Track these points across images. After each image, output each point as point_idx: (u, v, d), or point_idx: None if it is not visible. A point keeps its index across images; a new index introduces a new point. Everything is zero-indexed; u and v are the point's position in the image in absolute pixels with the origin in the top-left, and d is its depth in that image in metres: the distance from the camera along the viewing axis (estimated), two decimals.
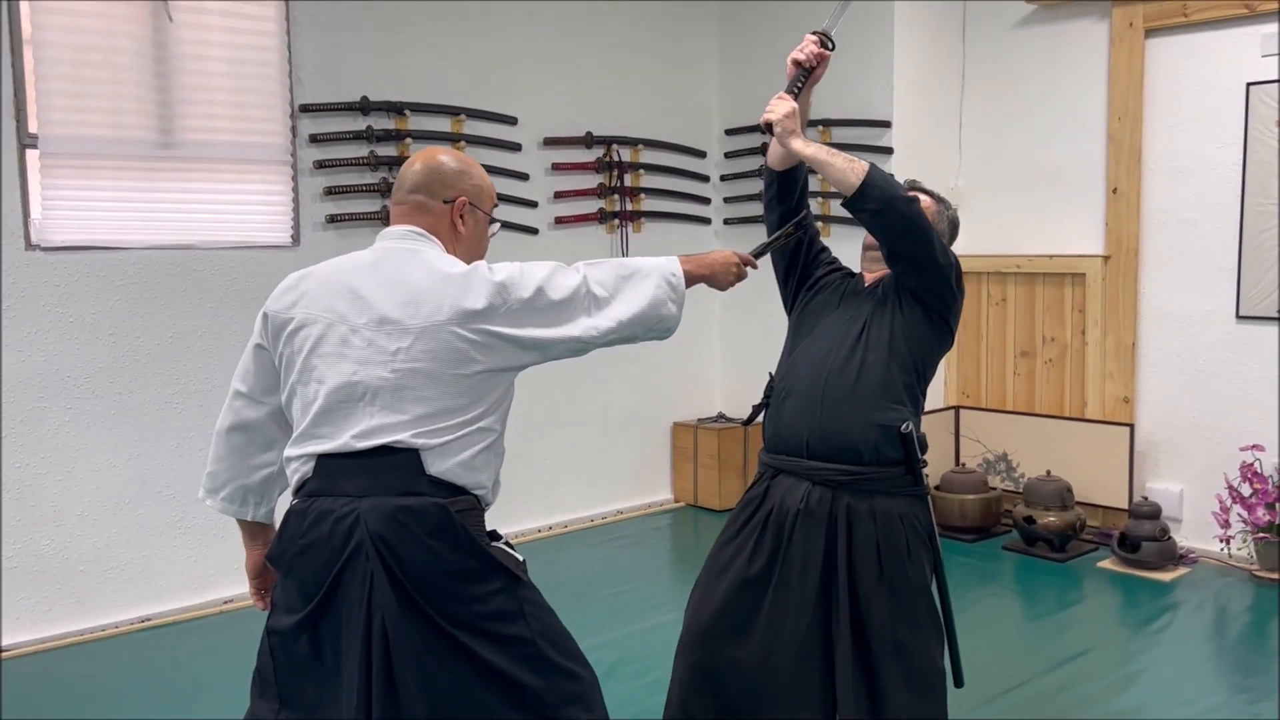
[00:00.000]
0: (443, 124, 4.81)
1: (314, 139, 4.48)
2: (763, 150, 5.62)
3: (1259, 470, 4.39)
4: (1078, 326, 5.08)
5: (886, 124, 5.15)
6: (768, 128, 2.50)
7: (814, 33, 2.64)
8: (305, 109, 4.44)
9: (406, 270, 2.01)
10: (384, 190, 4.60)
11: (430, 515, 1.92)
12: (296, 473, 2.02)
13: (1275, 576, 4.37)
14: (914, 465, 2.44)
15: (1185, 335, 4.77)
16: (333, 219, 4.53)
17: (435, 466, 1.95)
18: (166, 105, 4.13)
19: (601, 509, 5.54)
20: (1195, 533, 4.71)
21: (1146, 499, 4.69)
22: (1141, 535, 4.54)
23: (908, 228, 2.36)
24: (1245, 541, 4.45)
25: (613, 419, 5.56)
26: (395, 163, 4.61)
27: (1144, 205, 4.85)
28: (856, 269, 2.71)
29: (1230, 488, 4.44)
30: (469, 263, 2.05)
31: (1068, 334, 5.13)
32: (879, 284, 2.56)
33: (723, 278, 2.40)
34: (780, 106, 2.49)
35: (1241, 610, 4.15)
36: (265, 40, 4.35)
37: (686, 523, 5.56)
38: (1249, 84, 4.48)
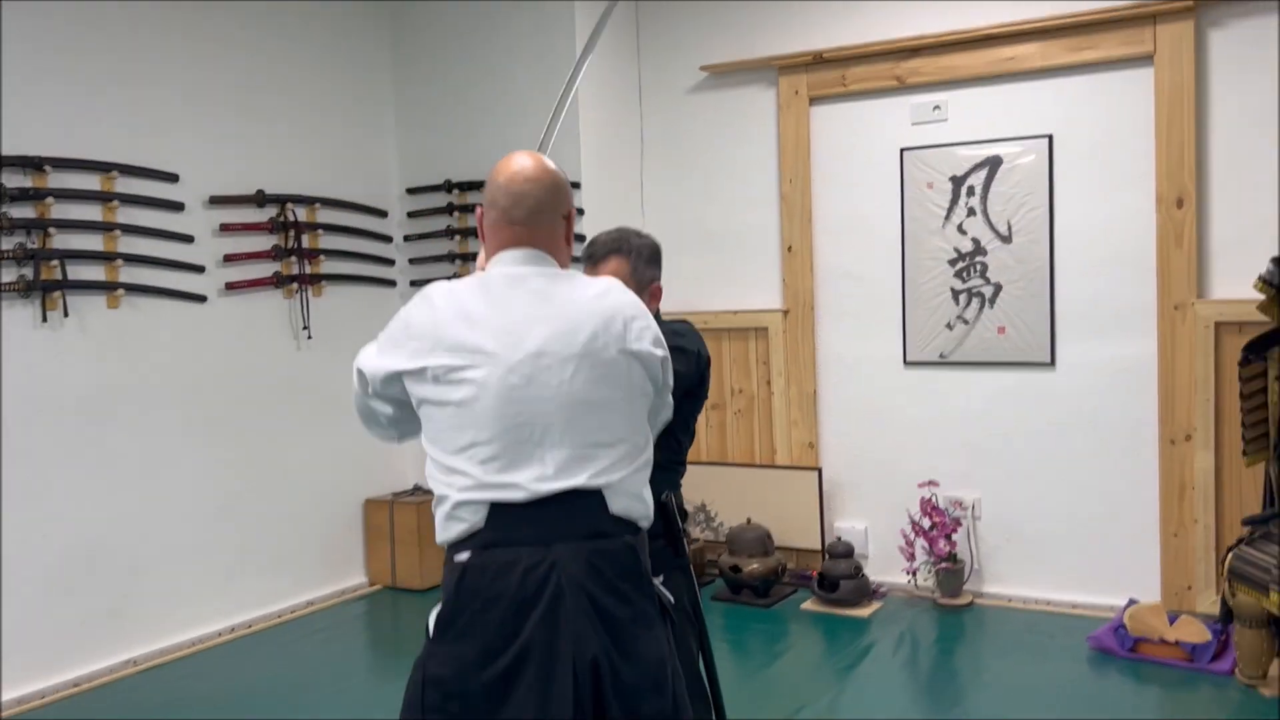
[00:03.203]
0: (90, 181, 4.22)
1: None
2: (449, 209, 5.45)
3: (936, 504, 4.74)
4: (763, 377, 5.30)
5: (575, 185, 5.15)
6: None
7: None
8: None
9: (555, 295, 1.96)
10: (20, 257, 3.95)
11: (621, 556, 1.88)
12: (463, 523, 1.87)
13: (957, 602, 4.72)
14: (675, 534, 2.36)
15: (860, 382, 5.10)
16: None
17: (616, 504, 1.90)
18: None
19: (289, 601, 5.04)
20: (882, 567, 5.01)
21: (840, 539, 4.93)
22: (838, 574, 4.76)
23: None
24: (929, 572, 4.78)
25: (297, 500, 5.09)
26: (34, 225, 3.99)
27: (816, 262, 5.16)
28: None
29: (913, 522, 4.76)
30: None
31: (754, 385, 5.33)
32: None
33: None
34: None
35: (931, 637, 4.44)
36: None
37: (385, 607, 5.18)
38: (902, 149, 4.90)
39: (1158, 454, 4.43)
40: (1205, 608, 4.31)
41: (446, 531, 1.89)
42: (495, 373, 1.85)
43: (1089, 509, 4.60)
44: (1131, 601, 4.32)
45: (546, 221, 2.00)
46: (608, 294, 1.96)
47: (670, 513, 2.33)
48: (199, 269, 4.62)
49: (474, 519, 1.85)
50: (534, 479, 1.84)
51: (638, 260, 2.60)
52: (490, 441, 1.84)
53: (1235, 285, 4.25)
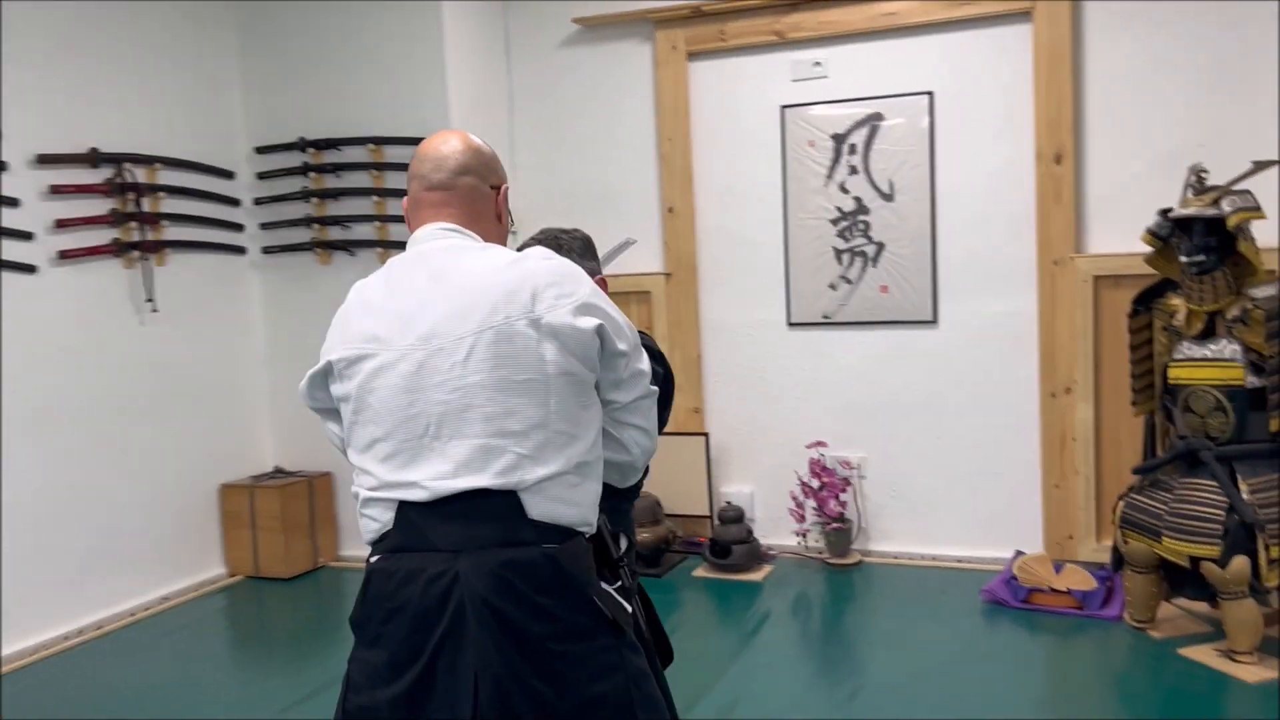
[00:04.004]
0: None
1: None
2: (303, 170, 5.06)
3: (825, 465, 4.71)
4: None
5: None
6: None
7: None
8: None
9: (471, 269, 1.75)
10: None
11: (536, 568, 1.65)
12: (374, 522, 1.73)
13: (846, 562, 4.71)
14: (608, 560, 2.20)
15: (744, 345, 5.01)
16: None
17: (537, 508, 1.68)
18: None
19: (142, 598, 4.62)
20: (769, 530, 4.96)
21: (730, 503, 4.84)
22: (729, 539, 4.68)
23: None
24: (819, 533, 4.75)
25: (146, 488, 4.66)
26: None
27: (698, 224, 5.03)
28: None
29: (802, 484, 4.72)
30: None
31: None
32: None
33: None
34: None
35: (826, 598, 4.41)
36: None
37: (249, 599, 4.81)
38: (783, 106, 4.82)
39: (1039, 407, 4.51)
40: (1087, 555, 4.42)
41: (363, 531, 1.77)
42: (386, 360, 1.70)
43: (972, 464, 4.66)
44: (1018, 553, 4.40)
45: (469, 188, 1.84)
46: (519, 262, 1.74)
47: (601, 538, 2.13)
48: (26, 235, 4.13)
49: (383, 518, 1.71)
50: (433, 476, 1.66)
51: (570, 257, 2.40)
52: (388, 437, 1.70)
53: (1113, 240, 4.35)
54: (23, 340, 4.12)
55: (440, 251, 1.77)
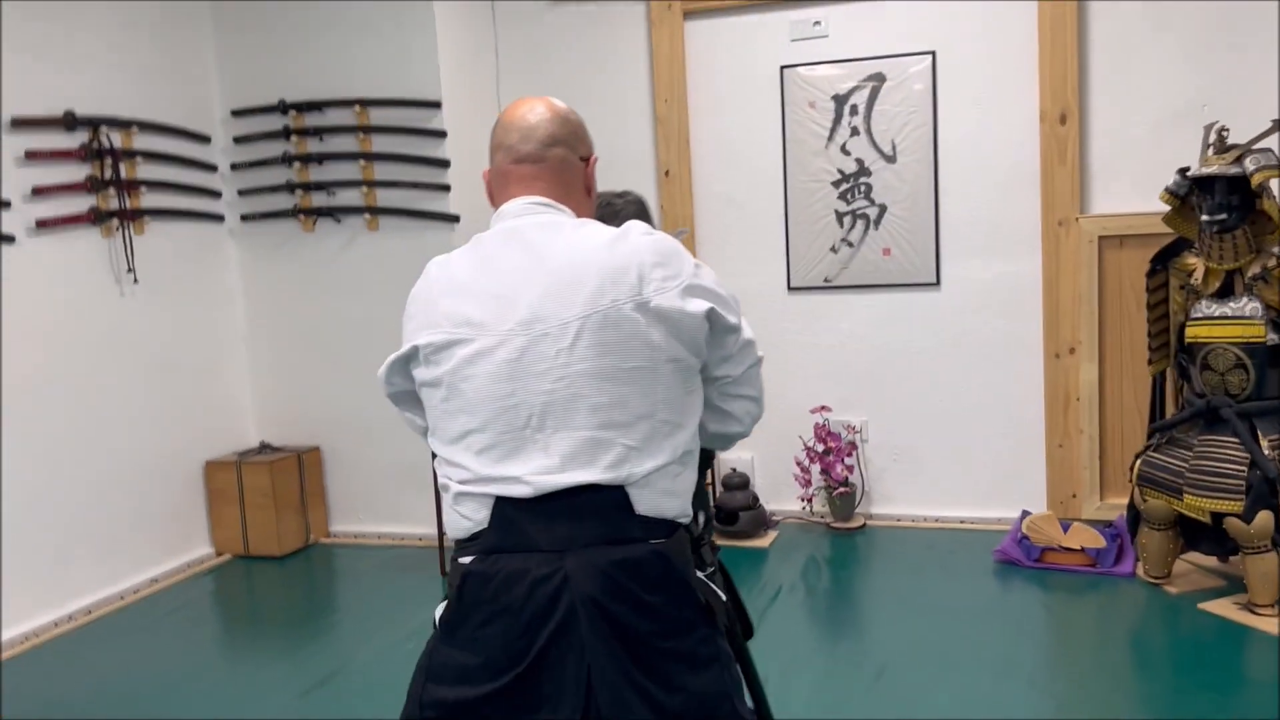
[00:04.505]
0: None
1: None
2: (285, 134, 4.87)
3: (830, 429, 4.68)
4: None
5: (436, 104, 4.69)
6: None
7: None
8: None
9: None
10: None
11: (648, 567, 1.57)
12: (466, 520, 1.62)
13: (850, 526, 4.71)
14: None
15: (743, 310, 4.93)
16: None
17: (644, 503, 1.59)
18: None
19: (130, 580, 4.44)
20: (771, 496, 4.92)
21: (735, 470, 4.80)
22: (736, 506, 4.64)
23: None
24: (824, 497, 4.74)
25: (129, 467, 4.46)
26: None
27: (695, 188, 4.95)
28: None
29: (807, 448, 4.70)
30: None
31: None
32: None
33: None
34: None
35: (836, 562, 4.40)
36: None
37: (239, 579, 4.66)
38: (782, 67, 4.74)
39: (1042, 368, 4.53)
40: (1091, 514, 4.47)
41: (452, 528, 1.67)
42: (484, 346, 1.58)
43: (974, 426, 4.67)
44: (1025, 513, 4.43)
45: (559, 160, 1.72)
46: (622, 239, 1.62)
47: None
48: (3, 204, 3.90)
49: (477, 516, 1.60)
50: (537, 471, 1.56)
51: (630, 218, 2.30)
52: (484, 428, 1.59)
53: (1117, 200, 4.36)
54: (4, 314, 3.90)
55: (535, 228, 1.66)
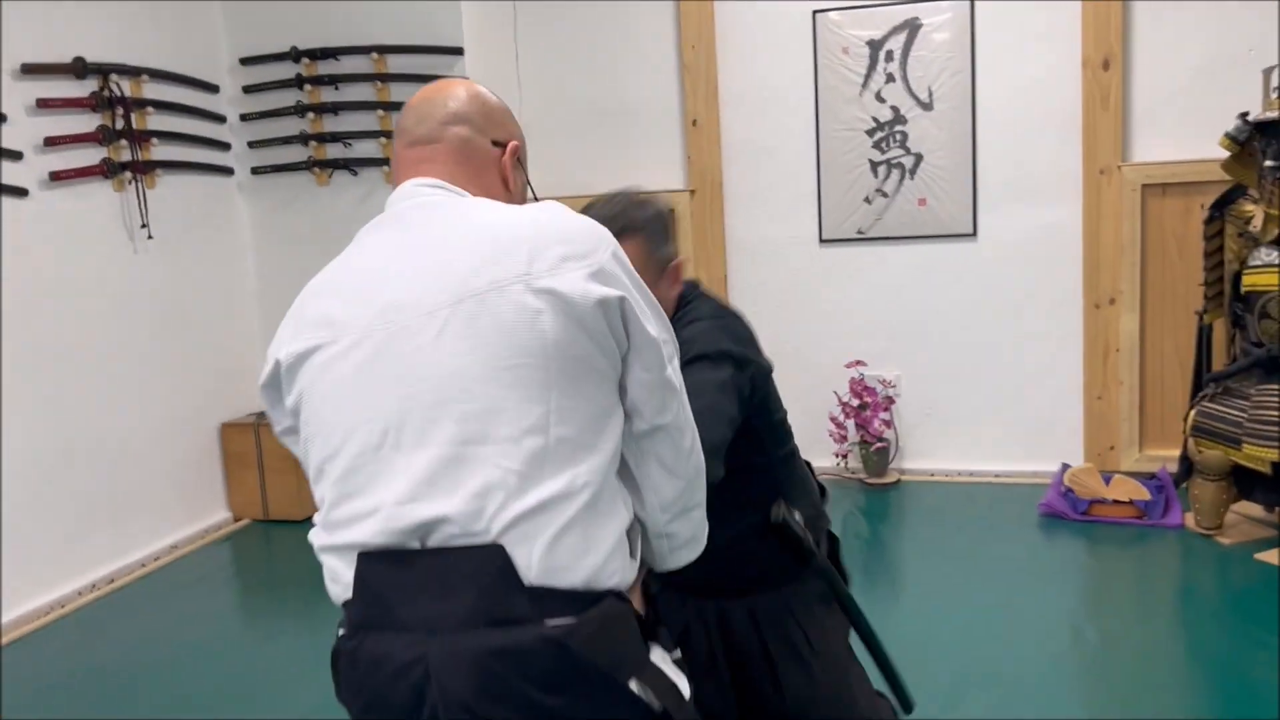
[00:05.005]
0: None
1: None
2: (297, 82, 4.67)
3: (866, 384, 4.61)
4: None
5: (458, 51, 4.52)
6: None
7: None
8: None
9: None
10: None
11: (536, 660, 1.19)
12: (334, 584, 1.32)
13: (884, 481, 4.65)
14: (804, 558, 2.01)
15: (773, 264, 4.85)
16: None
17: (527, 557, 1.22)
18: None
19: (149, 547, 4.29)
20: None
21: None
22: None
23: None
24: (858, 453, 4.67)
25: (143, 430, 4.30)
26: None
27: (724, 137, 4.81)
28: None
29: (843, 404, 4.62)
30: None
31: None
32: None
33: None
34: None
35: (878, 517, 4.35)
36: None
37: (258, 543, 4.53)
38: (815, 11, 4.60)
39: (1081, 319, 4.47)
40: (1130, 466, 4.43)
41: (331, 594, 1.36)
42: (339, 350, 1.29)
43: (1011, 379, 4.61)
44: (1065, 466, 4.38)
45: (459, 140, 1.41)
46: (520, 214, 1.32)
47: (791, 533, 1.87)
48: (16, 155, 3.70)
49: (343, 579, 1.29)
50: (390, 501, 1.24)
51: (653, 238, 1.78)
52: (338, 452, 1.28)
53: (1161, 148, 4.29)
54: (17, 273, 3.71)
55: (415, 209, 1.37)
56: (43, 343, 3.83)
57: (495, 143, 1.45)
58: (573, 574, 1.23)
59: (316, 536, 1.34)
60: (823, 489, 2.14)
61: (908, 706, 2.13)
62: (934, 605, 3.44)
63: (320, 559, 1.33)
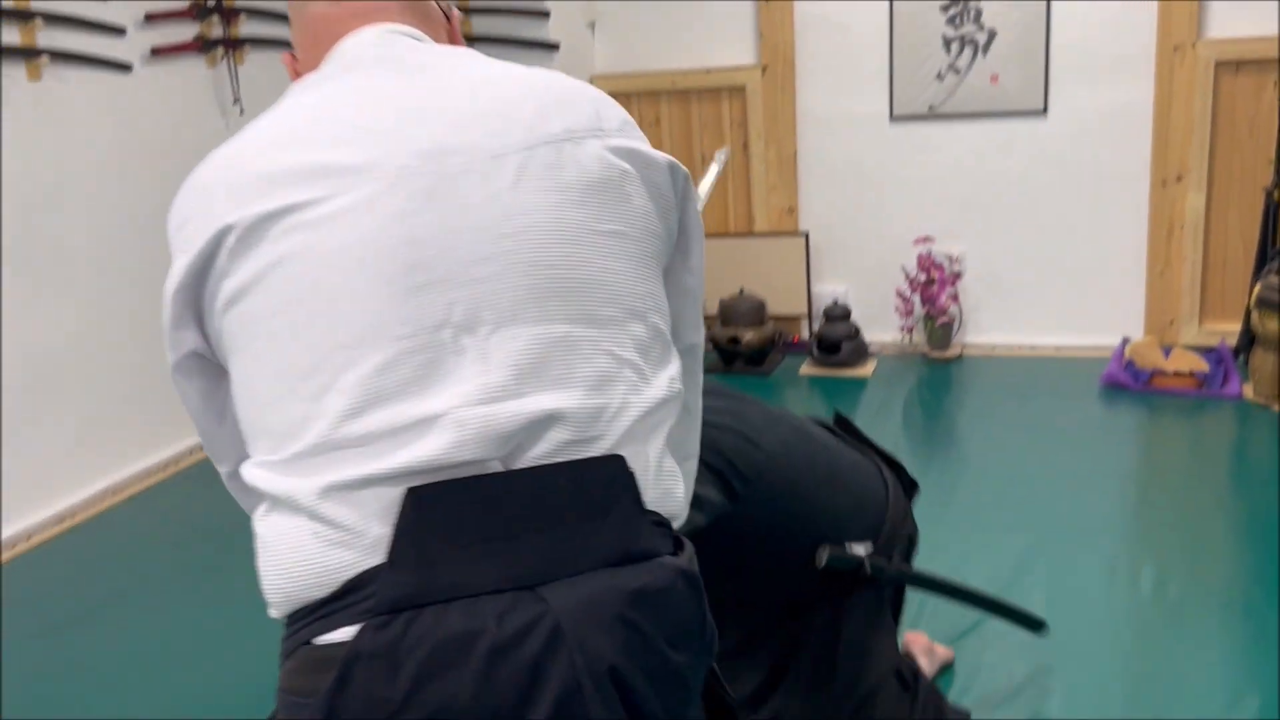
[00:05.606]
0: None
1: None
2: None
3: (935, 260, 4.73)
4: (739, 141, 5.03)
5: (544, 14, 4.55)
6: None
7: None
8: None
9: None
10: None
11: (676, 603, 0.93)
12: (337, 551, 0.90)
13: (947, 355, 4.81)
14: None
15: (843, 140, 4.92)
16: None
17: (653, 481, 0.96)
18: None
19: (175, 447, 4.16)
20: (865, 326, 4.98)
21: (837, 301, 4.87)
22: (838, 336, 4.73)
23: None
24: (924, 327, 4.82)
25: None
26: None
27: (796, 11, 4.84)
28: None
29: (909, 279, 4.76)
30: None
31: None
32: None
33: None
34: None
35: (943, 389, 4.53)
36: None
37: None
38: None
39: (1148, 197, 4.55)
40: (1189, 340, 4.57)
41: (300, 579, 0.91)
42: (359, 199, 0.95)
43: (1075, 255, 4.72)
44: (1125, 340, 4.53)
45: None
46: (555, 74, 1.11)
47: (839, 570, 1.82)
48: (119, 31, 3.82)
49: (370, 533, 0.90)
50: (470, 399, 0.90)
51: None
52: (366, 338, 0.92)
53: (1235, 24, 4.30)
54: (120, 150, 3.86)
55: (411, 51, 1.09)
56: (149, 216, 3.99)
57: (442, 11, 1.23)
58: (672, 500, 1.00)
59: (297, 474, 0.91)
60: (912, 484, 2.15)
61: (1037, 625, 2.29)
62: (998, 471, 3.63)
63: (316, 513, 0.89)
